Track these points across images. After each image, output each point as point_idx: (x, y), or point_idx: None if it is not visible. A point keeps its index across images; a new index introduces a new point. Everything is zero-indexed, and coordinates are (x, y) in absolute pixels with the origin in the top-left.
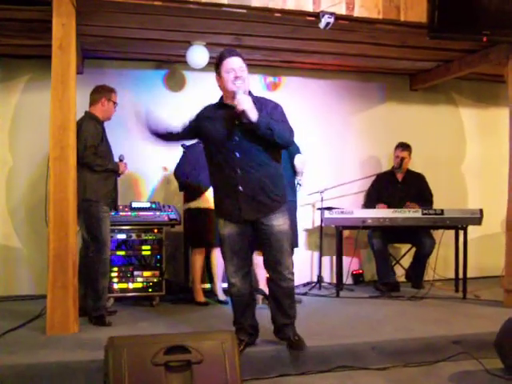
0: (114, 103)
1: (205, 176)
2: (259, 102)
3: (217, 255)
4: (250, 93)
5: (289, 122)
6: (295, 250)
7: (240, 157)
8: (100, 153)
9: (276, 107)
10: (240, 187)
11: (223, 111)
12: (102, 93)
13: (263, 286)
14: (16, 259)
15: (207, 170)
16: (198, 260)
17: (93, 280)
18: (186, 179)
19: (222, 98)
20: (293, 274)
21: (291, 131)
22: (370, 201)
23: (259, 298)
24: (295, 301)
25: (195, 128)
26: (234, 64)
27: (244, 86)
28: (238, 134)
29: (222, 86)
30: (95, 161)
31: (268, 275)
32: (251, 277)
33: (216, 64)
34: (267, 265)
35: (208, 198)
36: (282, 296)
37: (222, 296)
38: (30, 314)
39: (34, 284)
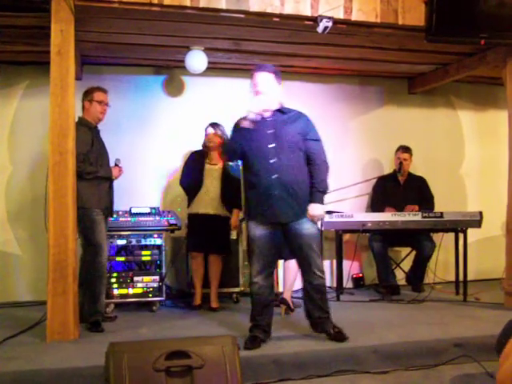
0: (99, 102)
1: (194, 179)
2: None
3: (217, 260)
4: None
5: (320, 139)
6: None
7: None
8: (91, 159)
9: (311, 125)
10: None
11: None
12: (84, 96)
13: (288, 296)
14: (15, 265)
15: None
16: (194, 264)
17: (89, 284)
18: (184, 186)
19: None
20: (323, 272)
21: (325, 161)
22: (378, 204)
23: (282, 307)
24: (327, 297)
25: None
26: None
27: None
28: None
29: None
30: (86, 169)
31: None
32: (273, 278)
33: None
34: (300, 266)
35: (206, 203)
36: (314, 292)
37: (214, 303)
38: (29, 321)
39: (34, 290)
